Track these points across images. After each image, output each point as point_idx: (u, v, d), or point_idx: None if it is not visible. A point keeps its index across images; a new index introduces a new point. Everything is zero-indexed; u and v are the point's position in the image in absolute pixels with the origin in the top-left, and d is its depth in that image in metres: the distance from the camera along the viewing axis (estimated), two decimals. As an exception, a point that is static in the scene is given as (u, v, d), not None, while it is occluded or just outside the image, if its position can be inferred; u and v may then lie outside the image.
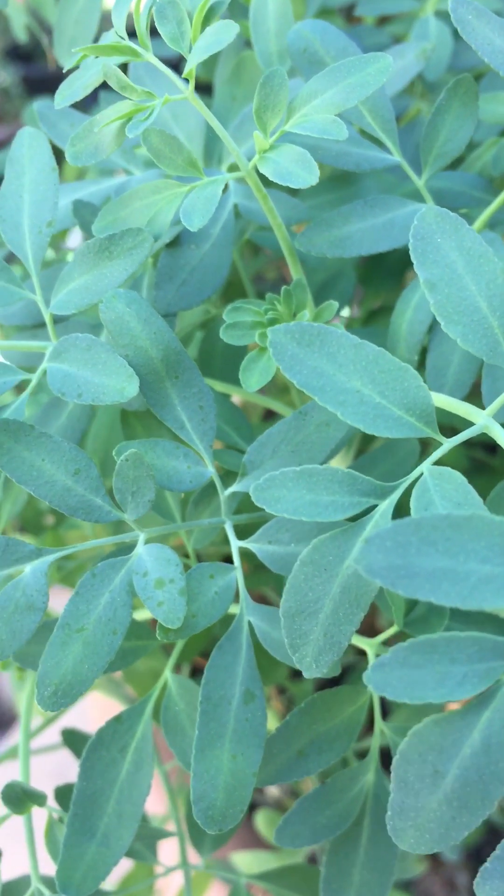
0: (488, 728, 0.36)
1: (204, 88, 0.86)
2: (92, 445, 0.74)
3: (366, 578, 0.40)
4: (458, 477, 0.41)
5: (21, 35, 0.91)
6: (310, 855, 0.85)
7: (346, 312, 0.82)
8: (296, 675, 0.87)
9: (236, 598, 0.50)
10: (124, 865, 0.79)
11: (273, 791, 0.96)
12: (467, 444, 0.79)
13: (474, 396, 0.54)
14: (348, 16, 0.96)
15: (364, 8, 0.75)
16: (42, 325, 0.58)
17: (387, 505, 0.42)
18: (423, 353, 0.56)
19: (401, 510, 0.43)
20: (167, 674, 0.55)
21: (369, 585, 0.42)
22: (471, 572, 0.34)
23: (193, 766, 0.47)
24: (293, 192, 0.63)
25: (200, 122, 0.64)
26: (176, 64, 0.55)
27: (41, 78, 1.96)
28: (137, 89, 0.50)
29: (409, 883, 0.93)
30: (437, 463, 0.44)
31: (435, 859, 0.94)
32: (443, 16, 0.73)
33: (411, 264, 0.45)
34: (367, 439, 0.70)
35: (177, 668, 0.84)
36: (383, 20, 0.91)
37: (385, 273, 0.73)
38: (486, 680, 0.35)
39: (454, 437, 0.43)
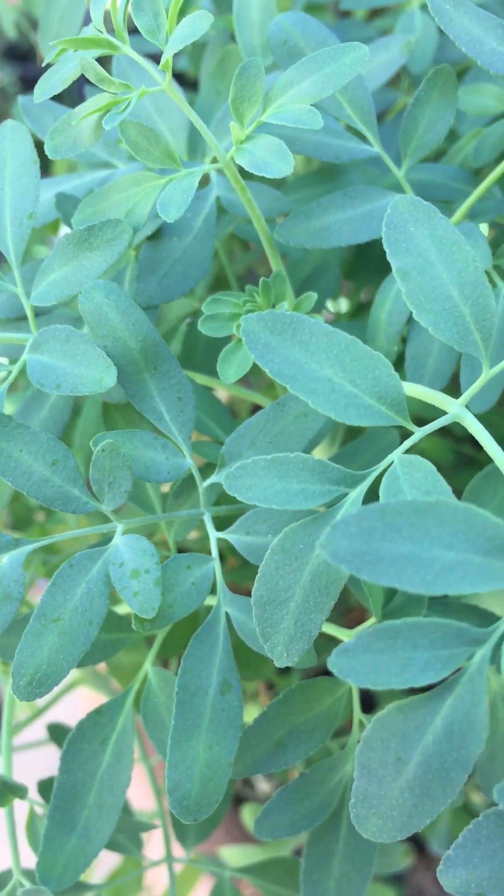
0: (451, 715, 0.36)
1: (194, 86, 0.87)
2: (79, 440, 0.74)
3: (335, 566, 0.40)
4: (428, 465, 0.41)
5: (10, 31, 0.91)
6: (297, 849, 0.85)
7: (333, 307, 0.82)
8: (284, 670, 0.87)
9: (215, 590, 0.50)
10: (113, 860, 0.79)
11: (262, 786, 0.96)
12: (455, 438, 0.79)
13: (456, 389, 0.54)
14: (338, 12, 0.96)
15: (349, 2, 0.75)
16: (24, 317, 0.58)
17: (357, 493, 0.42)
18: (405, 343, 0.56)
19: (373, 499, 0.42)
20: (147, 666, 0.55)
21: (339, 573, 0.42)
22: (435, 558, 0.34)
23: (169, 755, 0.47)
24: (277, 186, 0.63)
25: (184, 117, 0.64)
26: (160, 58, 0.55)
27: (38, 77, 1.95)
28: (115, 82, 0.50)
29: (399, 878, 0.93)
30: (418, 454, 0.44)
31: (425, 854, 0.94)
32: (428, 9, 0.73)
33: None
34: (351, 432, 0.70)
35: (165, 664, 0.84)
36: (373, 15, 0.91)
37: (370, 266, 0.73)
38: (449, 666, 0.35)
39: (425, 427, 0.43)
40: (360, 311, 0.81)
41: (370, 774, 0.37)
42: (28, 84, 1.96)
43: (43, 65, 0.55)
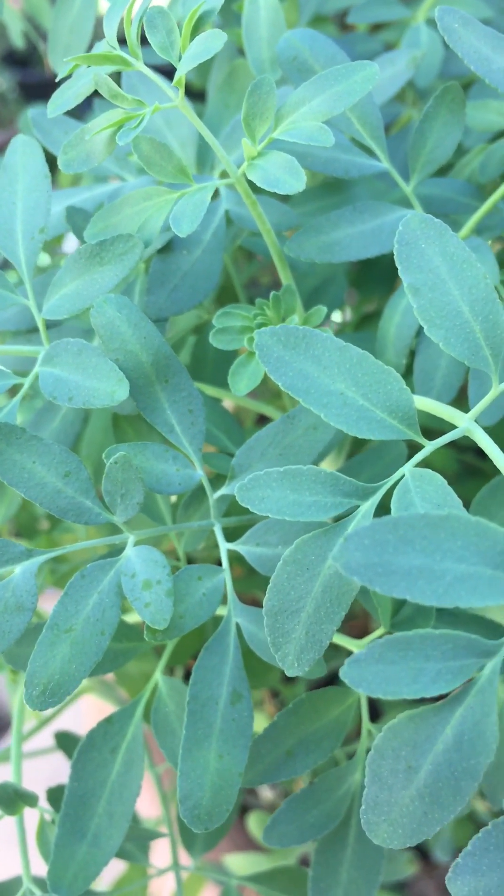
0: (461, 725, 0.36)
1: (199, 96, 0.87)
2: (86, 450, 0.75)
3: (346, 577, 0.41)
4: (439, 479, 0.42)
5: (18, 41, 0.92)
6: (302, 857, 0.86)
7: (338, 317, 0.82)
8: (289, 678, 0.87)
9: (225, 601, 0.51)
10: (118, 867, 0.79)
11: (267, 794, 0.96)
12: (459, 448, 0.79)
13: (464, 401, 0.54)
14: (342, 23, 0.97)
15: (356, 16, 0.76)
16: (35, 330, 0.59)
17: (369, 506, 0.43)
18: (413, 356, 0.56)
19: (383, 511, 0.43)
20: (157, 675, 0.56)
21: (350, 584, 0.42)
22: (447, 571, 0.34)
23: (180, 765, 0.47)
24: (284, 199, 0.64)
25: (193, 130, 0.65)
26: (170, 72, 0.56)
27: (37, 83, 1.97)
28: (128, 98, 0.51)
29: (402, 885, 0.93)
30: (425, 466, 0.44)
31: (428, 861, 0.94)
32: (434, 24, 0.74)
33: (402, 270, 0.45)
34: (358, 443, 0.71)
35: (170, 671, 0.84)
36: (376, 28, 0.92)
37: (377, 278, 0.74)
38: (460, 677, 0.35)
39: (436, 440, 0.44)
40: (365, 321, 0.81)
41: (381, 782, 0.37)
42: (27, 89, 1.97)
43: (56, 80, 0.55)
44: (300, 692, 0.83)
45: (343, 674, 0.35)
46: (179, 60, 0.51)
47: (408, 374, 0.57)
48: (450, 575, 0.34)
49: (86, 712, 1.03)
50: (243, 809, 0.94)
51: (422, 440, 0.44)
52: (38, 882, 0.55)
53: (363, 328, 0.80)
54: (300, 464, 0.50)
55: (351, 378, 0.43)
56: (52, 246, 0.93)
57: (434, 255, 0.44)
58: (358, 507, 0.43)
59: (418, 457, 0.44)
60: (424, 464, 0.44)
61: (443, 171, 0.63)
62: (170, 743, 0.54)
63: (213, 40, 0.49)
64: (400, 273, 0.44)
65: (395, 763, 0.37)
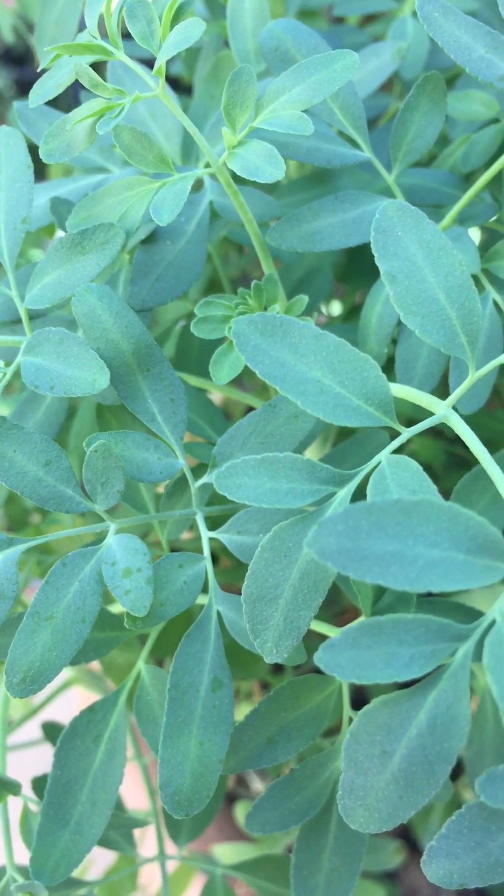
0: (434, 709, 0.36)
1: (189, 90, 0.87)
2: (74, 442, 0.75)
3: (323, 564, 0.41)
4: (414, 465, 0.42)
5: (8, 36, 0.92)
6: (289, 846, 0.86)
7: (326, 310, 0.83)
8: (277, 669, 0.87)
9: (207, 589, 0.51)
10: (108, 859, 0.79)
11: (257, 785, 0.96)
12: (447, 440, 0.79)
13: (446, 390, 0.54)
14: (331, 16, 0.97)
15: (341, 8, 0.76)
16: (19, 320, 0.59)
17: (345, 492, 0.43)
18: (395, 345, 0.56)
19: (362, 498, 0.43)
20: (140, 664, 0.56)
21: (327, 571, 0.42)
22: (419, 556, 0.35)
23: (161, 751, 0.47)
24: (269, 190, 0.64)
25: (178, 122, 0.65)
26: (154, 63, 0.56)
27: (34, 81, 1.96)
28: (108, 87, 0.51)
29: (392, 876, 0.94)
30: (411, 455, 0.44)
31: (419, 853, 0.94)
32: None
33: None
34: (343, 433, 0.71)
35: (160, 663, 0.84)
36: (366, 21, 0.92)
37: (363, 270, 0.74)
38: (433, 661, 0.35)
39: (412, 427, 0.44)
40: (353, 313, 0.81)
41: (357, 767, 0.37)
42: (24, 87, 1.96)
43: (38, 70, 0.55)
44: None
45: (317, 659, 0.35)
46: (160, 50, 0.51)
47: (391, 363, 0.57)
48: (422, 560, 0.35)
49: (75, 703, 1.03)
50: (232, 800, 0.95)
51: (399, 427, 0.44)
52: (21, 870, 0.56)
53: (351, 320, 0.81)
54: (281, 452, 0.50)
55: (327, 365, 0.43)
56: (43, 239, 0.93)
57: (411, 242, 0.45)
58: (335, 493, 0.43)
59: (395, 443, 0.44)
60: (411, 455, 0.45)
61: (427, 161, 0.63)
62: (152, 731, 0.54)
63: (192, 28, 0.49)
64: (377, 260, 0.44)
65: (370, 748, 0.37)
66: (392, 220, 0.45)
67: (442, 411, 0.44)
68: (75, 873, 0.54)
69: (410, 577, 0.34)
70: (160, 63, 0.50)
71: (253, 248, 0.67)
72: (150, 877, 0.85)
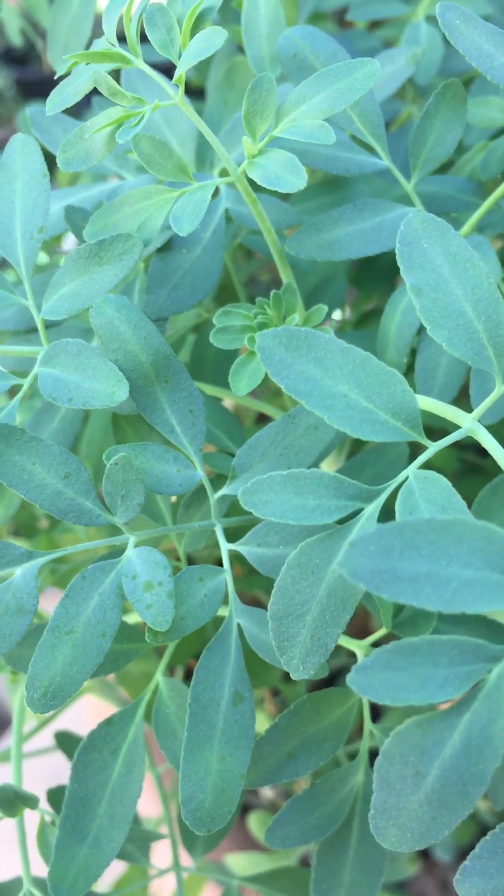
0: (468, 730, 0.36)
1: (198, 93, 0.87)
2: (86, 450, 0.75)
3: (351, 582, 0.40)
4: (443, 481, 0.42)
5: (16, 39, 0.92)
6: (303, 857, 0.86)
7: (338, 315, 0.82)
8: (289, 677, 0.87)
9: (226, 601, 0.51)
10: (118, 868, 0.79)
11: (267, 793, 0.96)
12: (459, 446, 0.79)
13: (464, 399, 0.54)
14: (340, 20, 0.96)
15: (355, 13, 0.76)
16: (35, 329, 0.58)
17: (373, 508, 0.42)
18: (414, 355, 0.56)
19: (387, 513, 0.43)
20: (158, 676, 0.56)
21: (355, 588, 0.42)
22: (453, 576, 0.34)
23: (182, 767, 0.47)
24: (284, 197, 0.63)
25: (192, 127, 0.65)
26: (169, 69, 0.56)
27: (35, 81, 1.96)
28: (127, 95, 0.51)
29: (402, 884, 0.93)
30: (425, 466, 0.44)
31: (428, 860, 0.94)
32: (434, 20, 0.73)
33: (402, 267, 0.45)
34: (358, 442, 0.71)
35: (170, 671, 0.84)
36: (375, 24, 0.92)
37: (377, 276, 0.73)
38: (467, 682, 0.35)
39: (439, 441, 0.44)
40: (365, 319, 0.81)
41: (389, 787, 0.37)
42: (25, 87, 1.96)
43: (55, 77, 0.55)
44: (301, 691, 0.83)
45: (350, 681, 0.35)
46: (179, 58, 0.50)
47: (409, 372, 0.56)
48: (456, 580, 0.34)
49: (86, 712, 1.03)
50: (244, 809, 0.94)
51: (425, 441, 0.44)
52: (39, 883, 0.55)
53: (363, 326, 0.80)
54: (301, 464, 0.50)
55: (354, 380, 0.43)
56: (51, 245, 0.92)
57: (436, 254, 0.44)
58: (362, 509, 0.43)
59: (422, 458, 0.43)
60: (426, 463, 0.44)
61: (444, 168, 0.63)
62: (171, 744, 0.53)
63: (213, 37, 0.49)
64: (402, 273, 0.44)
65: (403, 768, 0.37)
66: (417, 232, 0.45)
67: (468, 424, 0.44)
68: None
69: (445, 598, 0.34)
70: (180, 72, 0.49)
71: (262, 253, 0.67)
72: (159, 884, 0.84)
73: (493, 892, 0.37)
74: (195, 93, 0.91)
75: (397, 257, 0.44)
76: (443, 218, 0.45)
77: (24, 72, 1.98)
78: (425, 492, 0.41)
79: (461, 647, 0.35)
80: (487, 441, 0.43)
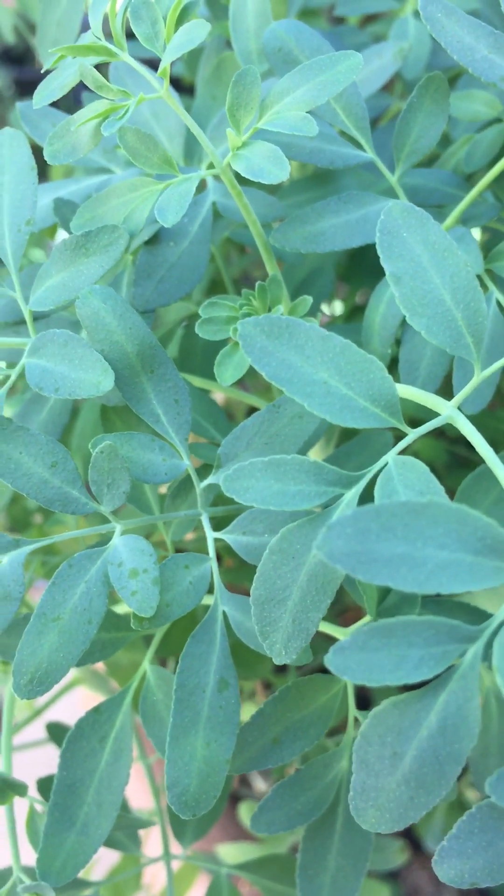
0: (444, 710, 0.36)
1: (191, 91, 0.87)
2: (77, 442, 0.75)
3: (331, 566, 0.41)
4: (421, 466, 0.42)
5: (8, 36, 0.92)
6: (293, 846, 0.86)
7: (328, 310, 0.83)
8: (281, 669, 0.87)
9: (212, 590, 0.51)
10: (112, 858, 0.80)
11: (260, 785, 0.97)
12: (449, 440, 0.80)
13: (451, 391, 0.54)
14: (332, 16, 0.97)
15: (343, 8, 0.76)
16: (23, 321, 0.59)
17: (353, 494, 0.43)
18: (399, 346, 0.56)
19: (368, 499, 0.43)
20: (146, 665, 0.56)
21: (335, 572, 0.42)
22: (428, 558, 0.35)
23: (168, 752, 0.47)
24: (271, 190, 0.64)
25: (181, 122, 0.65)
26: (158, 65, 0.56)
27: (33, 80, 1.95)
28: (113, 88, 0.51)
29: (395, 875, 0.94)
30: (413, 455, 0.44)
31: (421, 852, 0.94)
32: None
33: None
34: (346, 433, 0.71)
35: (163, 663, 0.85)
36: (367, 21, 0.92)
37: (366, 270, 0.74)
38: (442, 663, 0.36)
39: (418, 428, 0.44)
40: (355, 313, 0.82)
41: (368, 768, 0.37)
42: (23, 87, 1.96)
43: (42, 71, 0.55)
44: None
45: (327, 661, 0.35)
46: (164, 51, 0.51)
47: (394, 364, 0.57)
48: (431, 562, 0.35)
49: (79, 704, 1.03)
50: (236, 800, 0.95)
51: (405, 428, 0.44)
52: (28, 871, 0.56)
53: (353, 320, 0.81)
54: (286, 453, 0.50)
55: (334, 367, 0.43)
56: (45, 239, 0.93)
57: (416, 243, 0.45)
58: (342, 495, 0.43)
59: (401, 444, 0.44)
60: (413, 455, 0.45)
61: (429, 161, 0.63)
62: (158, 731, 0.54)
63: (197, 30, 0.49)
64: (382, 261, 0.45)
65: (381, 749, 0.37)
66: (397, 222, 0.45)
67: (448, 412, 0.44)
68: (80, 873, 0.54)
69: (420, 580, 0.34)
70: (165, 64, 0.50)
71: (255, 248, 0.67)
72: (153, 875, 0.85)
73: (471, 872, 0.37)
74: (188, 91, 0.91)
75: (377, 246, 0.45)
76: (428, 210, 0.46)
77: (22, 71, 1.98)
78: (403, 477, 0.42)
79: (437, 627, 0.36)
80: (466, 428, 0.43)
